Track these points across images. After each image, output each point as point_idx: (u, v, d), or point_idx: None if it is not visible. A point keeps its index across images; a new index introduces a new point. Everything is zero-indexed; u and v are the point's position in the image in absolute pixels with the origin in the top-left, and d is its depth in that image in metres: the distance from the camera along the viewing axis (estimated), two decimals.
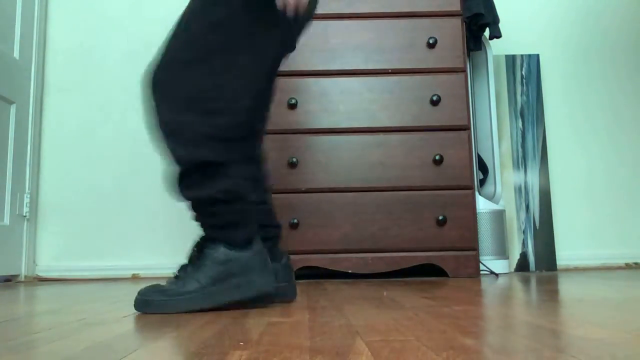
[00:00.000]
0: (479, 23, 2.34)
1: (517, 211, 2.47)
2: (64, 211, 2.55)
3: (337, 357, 0.59)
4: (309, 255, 2.08)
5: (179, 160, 1.12)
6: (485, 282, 1.73)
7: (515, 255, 2.43)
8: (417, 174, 2.13)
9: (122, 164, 2.58)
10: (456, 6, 2.21)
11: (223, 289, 1.09)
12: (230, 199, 1.11)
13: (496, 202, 2.33)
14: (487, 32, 2.53)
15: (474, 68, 2.55)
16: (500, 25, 2.67)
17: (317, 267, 2.10)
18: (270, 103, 1.30)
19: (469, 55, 2.45)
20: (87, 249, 2.52)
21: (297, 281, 2.01)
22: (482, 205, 2.27)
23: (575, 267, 2.53)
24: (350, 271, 2.07)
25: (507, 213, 2.45)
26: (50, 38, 2.67)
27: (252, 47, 1.15)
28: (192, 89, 1.12)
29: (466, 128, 2.16)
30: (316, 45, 2.19)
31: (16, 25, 2.46)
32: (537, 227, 2.45)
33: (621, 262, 2.54)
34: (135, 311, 1.10)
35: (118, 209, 2.55)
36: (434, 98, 2.15)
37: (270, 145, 2.12)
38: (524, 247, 2.43)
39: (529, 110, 2.57)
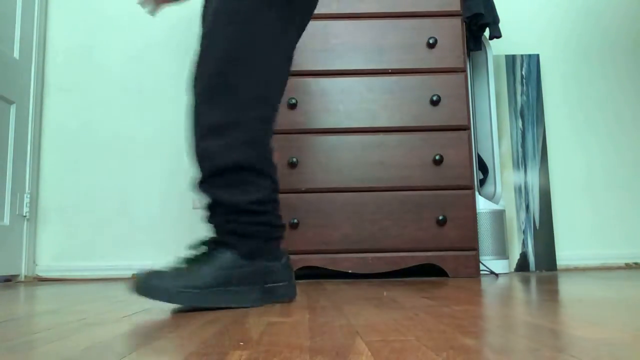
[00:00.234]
0: (479, 23, 2.34)
1: (517, 211, 2.47)
2: (64, 211, 2.55)
3: (337, 357, 0.59)
4: (309, 255, 2.08)
5: (220, 159, 1.12)
6: (485, 282, 1.73)
7: (515, 255, 2.43)
8: (417, 174, 2.13)
9: (122, 164, 2.59)
10: (456, 6, 2.21)
11: (221, 293, 1.10)
12: (259, 211, 1.14)
13: (496, 202, 2.33)
14: (487, 32, 2.53)
15: (474, 68, 2.55)
16: (500, 25, 2.67)
17: (317, 267, 2.10)
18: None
19: (469, 55, 2.45)
20: (87, 249, 2.53)
21: (297, 281, 2.01)
22: (482, 205, 2.27)
23: (576, 267, 2.53)
24: (350, 271, 2.07)
25: (507, 213, 2.45)
26: (50, 38, 2.67)
27: (279, 42, 1.18)
28: (236, 90, 1.13)
29: (466, 128, 2.16)
30: (316, 45, 2.19)
31: (16, 25, 2.46)
32: (537, 227, 2.45)
33: (621, 262, 2.54)
34: (135, 311, 1.10)
35: (118, 209, 2.55)
36: (434, 98, 2.15)
37: None
38: (524, 247, 2.43)
39: (529, 110, 2.57)
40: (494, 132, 2.42)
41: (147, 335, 0.79)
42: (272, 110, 1.18)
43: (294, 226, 2.09)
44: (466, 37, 2.35)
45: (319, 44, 2.19)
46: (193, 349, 0.67)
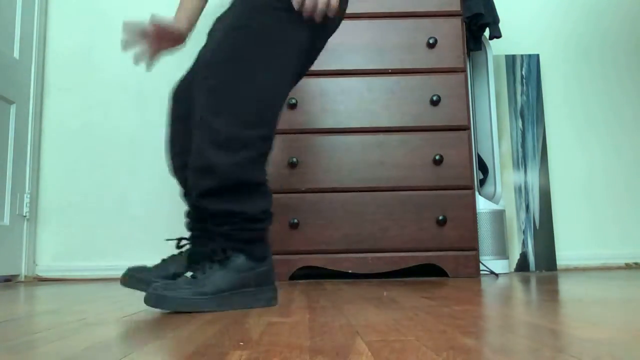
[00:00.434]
0: (479, 23, 2.34)
1: (517, 211, 2.47)
2: (64, 211, 2.55)
3: (337, 357, 0.59)
4: (309, 255, 2.08)
5: (224, 173, 1.14)
6: (485, 282, 1.73)
7: (515, 255, 2.43)
8: (417, 174, 2.13)
9: (122, 164, 2.58)
10: (456, 6, 2.21)
11: (238, 296, 1.13)
12: (265, 218, 1.19)
13: (496, 202, 2.33)
14: (487, 32, 2.53)
15: (474, 68, 2.55)
16: (500, 25, 2.67)
17: (317, 267, 2.10)
18: None
19: (469, 55, 2.45)
20: (87, 249, 2.53)
21: (297, 281, 2.01)
22: (482, 205, 2.27)
23: (576, 267, 2.53)
24: (350, 271, 2.07)
25: (507, 213, 2.45)
26: (50, 38, 2.67)
27: (286, 55, 1.21)
28: (247, 106, 1.16)
29: (466, 128, 2.15)
30: None
31: (16, 25, 2.46)
32: (537, 227, 2.45)
33: (621, 262, 2.54)
34: (135, 311, 1.10)
35: (118, 209, 2.55)
36: (434, 98, 2.15)
37: None
38: (524, 247, 2.43)
39: (529, 110, 2.57)
40: (494, 132, 2.42)
41: (147, 335, 0.79)
42: (275, 128, 1.22)
43: (294, 226, 2.09)
44: (466, 37, 2.35)
45: None
46: (193, 349, 0.67)
